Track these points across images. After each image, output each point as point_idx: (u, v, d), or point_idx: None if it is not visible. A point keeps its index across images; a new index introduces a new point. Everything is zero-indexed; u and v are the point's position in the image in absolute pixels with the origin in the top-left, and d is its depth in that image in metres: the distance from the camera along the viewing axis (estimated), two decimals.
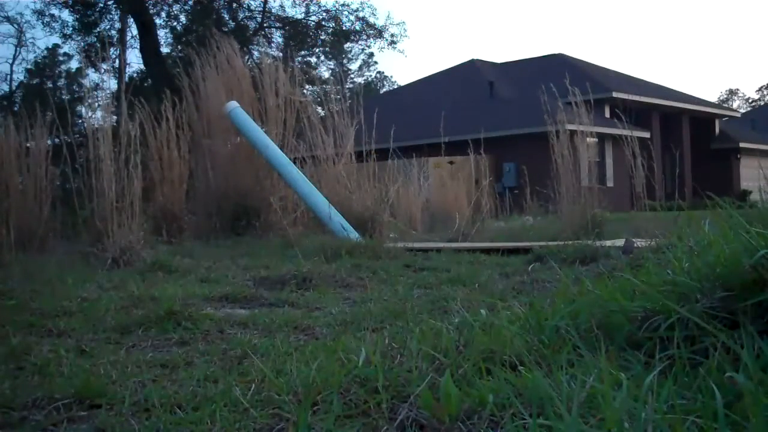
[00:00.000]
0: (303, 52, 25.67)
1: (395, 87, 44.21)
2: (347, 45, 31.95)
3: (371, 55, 37.97)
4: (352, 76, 40.13)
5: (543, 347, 1.93)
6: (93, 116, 7.80)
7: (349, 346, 2.08)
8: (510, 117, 26.99)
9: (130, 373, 2.11)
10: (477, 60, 34.46)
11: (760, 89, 70.99)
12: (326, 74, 33.11)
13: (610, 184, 26.52)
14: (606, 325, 2.05)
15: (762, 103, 65.02)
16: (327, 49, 27.85)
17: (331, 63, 33.27)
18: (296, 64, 24.75)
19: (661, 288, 2.08)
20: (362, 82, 41.47)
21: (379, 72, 52.52)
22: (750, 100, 72.33)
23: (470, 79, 31.54)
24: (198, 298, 3.69)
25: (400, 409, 1.49)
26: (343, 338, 2.31)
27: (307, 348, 2.26)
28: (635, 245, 4.79)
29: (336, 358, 1.79)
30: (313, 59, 30.53)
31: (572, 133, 8.83)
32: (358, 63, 39.68)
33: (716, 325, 1.83)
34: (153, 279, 4.48)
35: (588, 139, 10.31)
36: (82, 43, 22.87)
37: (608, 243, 5.31)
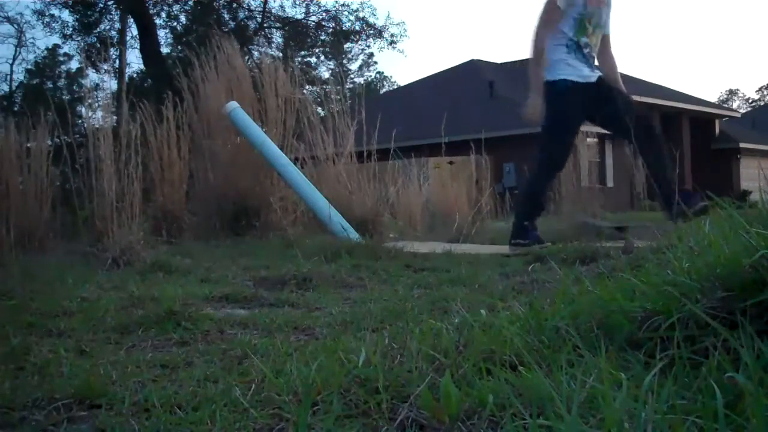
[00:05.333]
0: (303, 53, 25.68)
1: (395, 87, 44.21)
2: (347, 45, 31.94)
3: (371, 55, 37.99)
4: (352, 76, 40.11)
5: (543, 347, 1.93)
6: (93, 116, 7.81)
7: (349, 346, 2.08)
8: (510, 117, 26.95)
9: (130, 373, 2.11)
10: (477, 60, 34.47)
11: (760, 89, 71.14)
12: (326, 74, 33.11)
13: (610, 184, 26.51)
14: (606, 325, 2.05)
15: (762, 103, 65.04)
16: (327, 49, 27.87)
17: (331, 63, 33.28)
18: (296, 64, 24.74)
19: (660, 288, 2.08)
20: (362, 82, 41.44)
21: (379, 72, 52.55)
22: (750, 101, 72.42)
23: (470, 79, 31.55)
24: (198, 299, 3.68)
25: (400, 409, 1.49)
26: (343, 338, 2.31)
27: (307, 348, 2.26)
28: (635, 245, 4.78)
29: (336, 359, 1.79)
30: (314, 59, 30.52)
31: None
32: (358, 63, 39.65)
33: (717, 324, 1.83)
34: (153, 279, 4.49)
35: (588, 139, 10.32)
36: (82, 44, 22.87)
37: (608, 243, 5.31)
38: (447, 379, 1.50)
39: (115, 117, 8.71)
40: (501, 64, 34.44)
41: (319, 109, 10.84)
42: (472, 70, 32.83)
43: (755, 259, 1.88)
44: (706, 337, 1.79)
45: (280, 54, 25.23)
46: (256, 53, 21.39)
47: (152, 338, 2.81)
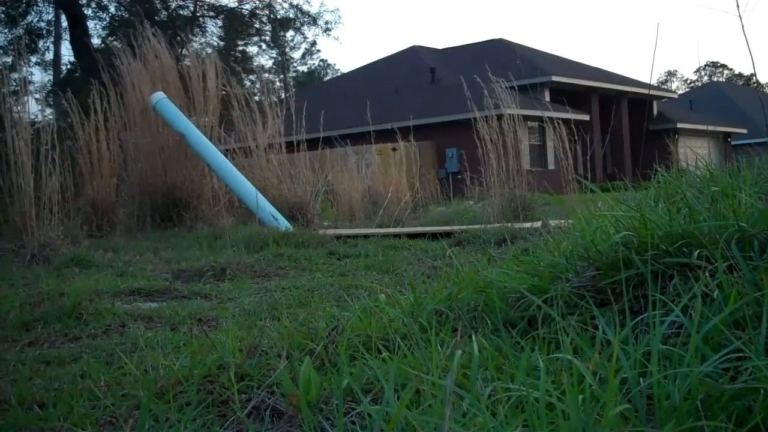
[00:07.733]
0: (241, 42, 25.37)
1: (338, 75, 44.02)
2: (289, 34, 31.69)
3: (313, 43, 37.70)
4: (295, 65, 39.80)
5: (420, 330, 1.96)
6: (15, 111, 7.63)
7: (236, 335, 2.08)
8: (451, 103, 27.10)
9: (12, 370, 2.08)
10: (418, 46, 34.52)
11: (697, 70, 72.50)
12: (268, 63, 32.83)
13: (551, 166, 26.81)
14: (486, 306, 2.09)
15: (699, 84, 66.42)
16: (266, 38, 27.63)
17: (273, 52, 33.01)
18: (235, 53, 24.40)
19: (539, 269, 2.13)
20: (305, 70, 41.15)
21: (322, 60, 52.15)
22: (688, 81, 73.86)
23: (412, 65, 31.59)
24: (109, 293, 3.65)
25: (254, 396, 1.50)
26: (231, 329, 2.31)
27: (199, 340, 2.25)
28: (551, 227, 4.86)
29: (207, 349, 1.80)
30: (255, 48, 30.20)
31: (511, 117, 8.89)
32: (301, 51, 39.36)
33: (587, 303, 1.88)
34: (68, 274, 4.42)
35: (530, 123, 10.43)
36: (9, 36, 22.22)
37: (527, 225, 5.40)
38: (306, 365, 1.52)
39: (40, 109, 8.51)
40: (442, 49, 34.55)
41: (257, 98, 10.75)
42: (414, 56, 32.86)
43: (621, 238, 1.93)
44: (571, 316, 1.84)
45: (221, 43, 24.89)
46: (195, 44, 21.07)
47: (52, 334, 2.78)
